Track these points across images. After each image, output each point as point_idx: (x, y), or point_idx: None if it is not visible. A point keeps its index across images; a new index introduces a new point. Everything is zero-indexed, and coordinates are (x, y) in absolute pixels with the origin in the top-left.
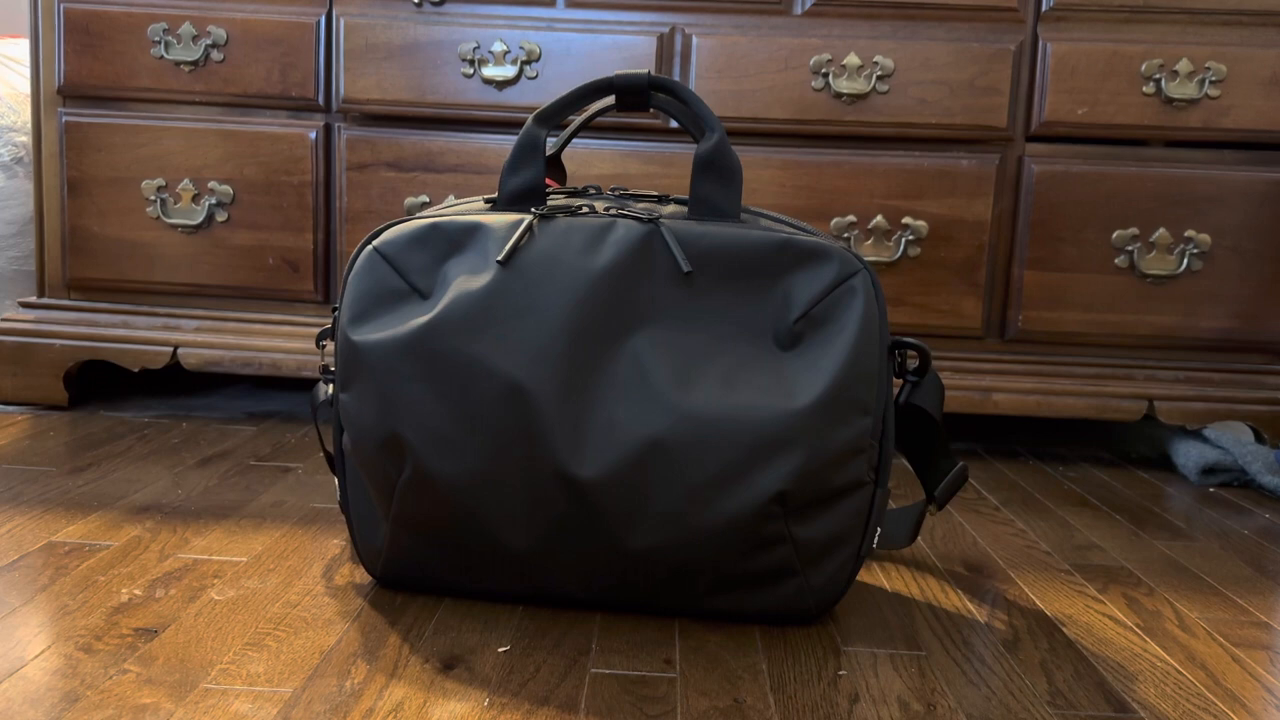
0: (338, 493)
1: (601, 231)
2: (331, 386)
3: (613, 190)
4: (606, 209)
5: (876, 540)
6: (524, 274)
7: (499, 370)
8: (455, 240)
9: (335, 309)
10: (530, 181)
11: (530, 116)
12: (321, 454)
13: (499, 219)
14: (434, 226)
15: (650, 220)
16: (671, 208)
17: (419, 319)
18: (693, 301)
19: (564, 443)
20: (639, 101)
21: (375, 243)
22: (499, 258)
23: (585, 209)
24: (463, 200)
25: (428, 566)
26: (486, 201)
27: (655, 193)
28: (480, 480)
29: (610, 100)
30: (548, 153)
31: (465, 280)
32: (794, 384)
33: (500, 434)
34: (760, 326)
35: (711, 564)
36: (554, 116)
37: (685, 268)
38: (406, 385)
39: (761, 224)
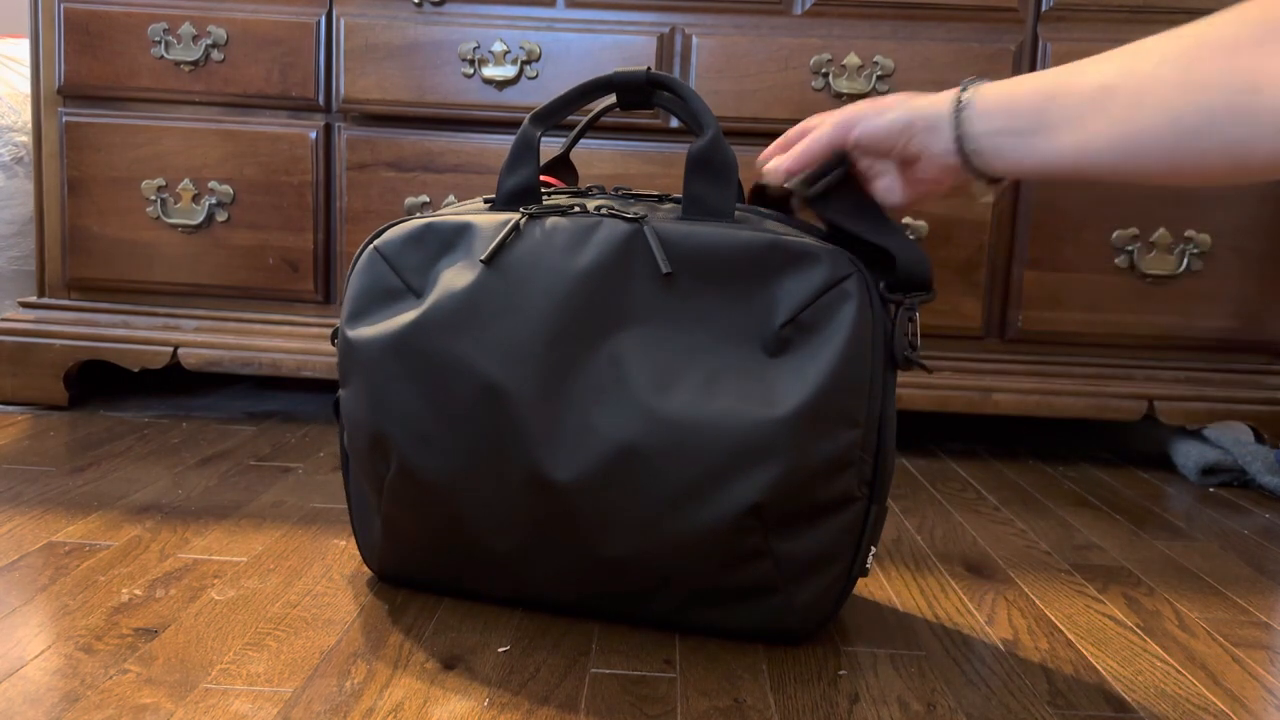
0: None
1: (586, 231)
2: None
3: (615, 190)
4: (598, 209)
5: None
6: (507, 273)
7: (478, 369)
8: (447, 240)
9: None
10: (525, 181)
11: (527, 116)
12: (323, 454)
13: (488, 218)
14: (428, 226)
15: (635, 220)
16: (669, 207)
17: (408, 317)
18: (676, 303)
19: (540, 445)
20: (639, 99)
21: (375, 242)
22: (482, 257)
23: (576, 209)
24: (466, 200)
25: (419, 565)
26: (486, 201)
27: (657, 193)
28: (461, 480)
29: (612, 99)
30: (557, 153)
31: (451, 279)
32: (776, 392)
33: (478, 434)
34: (746, 331)
35: (688, 575)
36: (551, 116)
37: (664, 269)
38: (392, 383)
39: (762, 225)
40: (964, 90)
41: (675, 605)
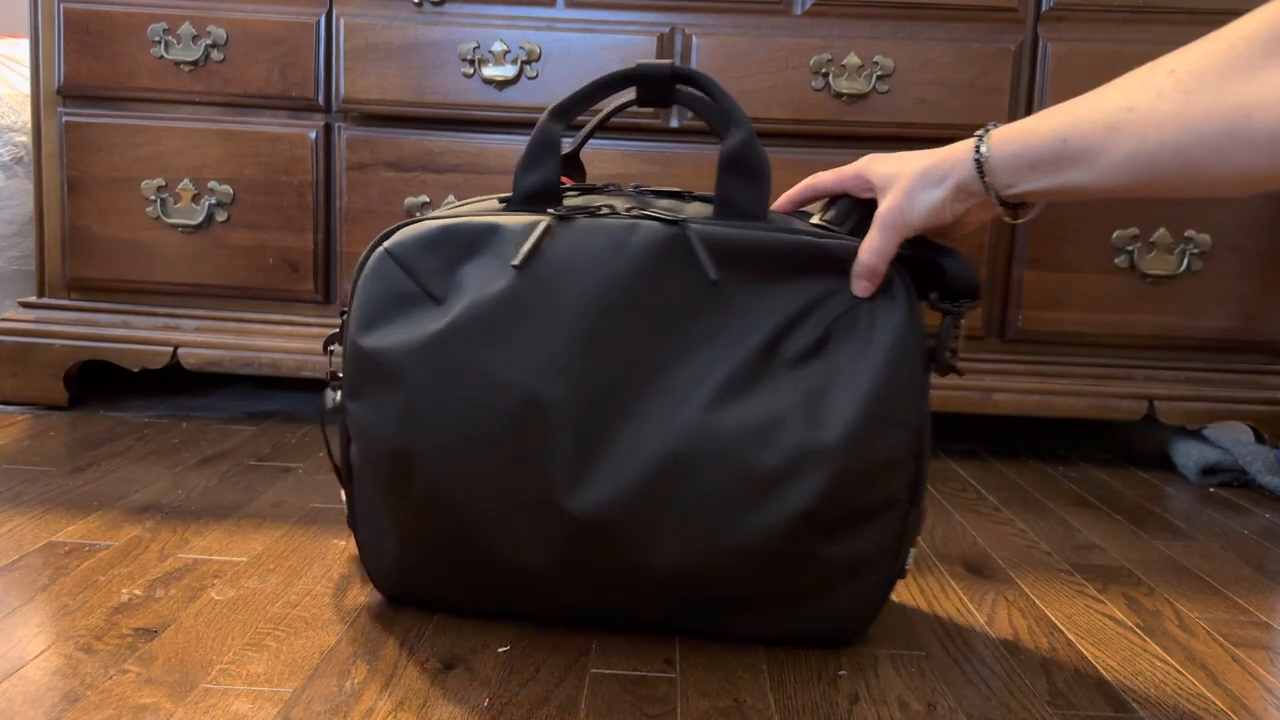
0: (346, 508)
1: (623, 234)
2: (339, 394)
3: (633, 187)
4: (628, 209)
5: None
6: (542, 279)
7: (514, 382)
8: (470, 243)
9: (343, 312)
10: (545, 180)
11: (546, 111)
12: (323, 454)
13: (515, 220)
14: (447, 228)
15: (675, 222)
16: (695, 206)
17: (432, 326)
18: (720, 309)
19: (581, 458)
20: (662, 94)
21: (386, 244)
22: (515, 262)
23: (605, 209)
24: (474, 200)
25: (440, 585)
26: (501, 201)
27: (675, 189)
28: (493, 496)
29: (630, 95)
30: (566, 151)
31: (480, 285)
32: (827, 396)
33: (515, 448)
34: (790, 334)
35: (736, 585)
36: (571, 110)
37: (712, 276)
38: (418, 395)
39: (798, 227)
40: (980, 142)
41: (719, 615)
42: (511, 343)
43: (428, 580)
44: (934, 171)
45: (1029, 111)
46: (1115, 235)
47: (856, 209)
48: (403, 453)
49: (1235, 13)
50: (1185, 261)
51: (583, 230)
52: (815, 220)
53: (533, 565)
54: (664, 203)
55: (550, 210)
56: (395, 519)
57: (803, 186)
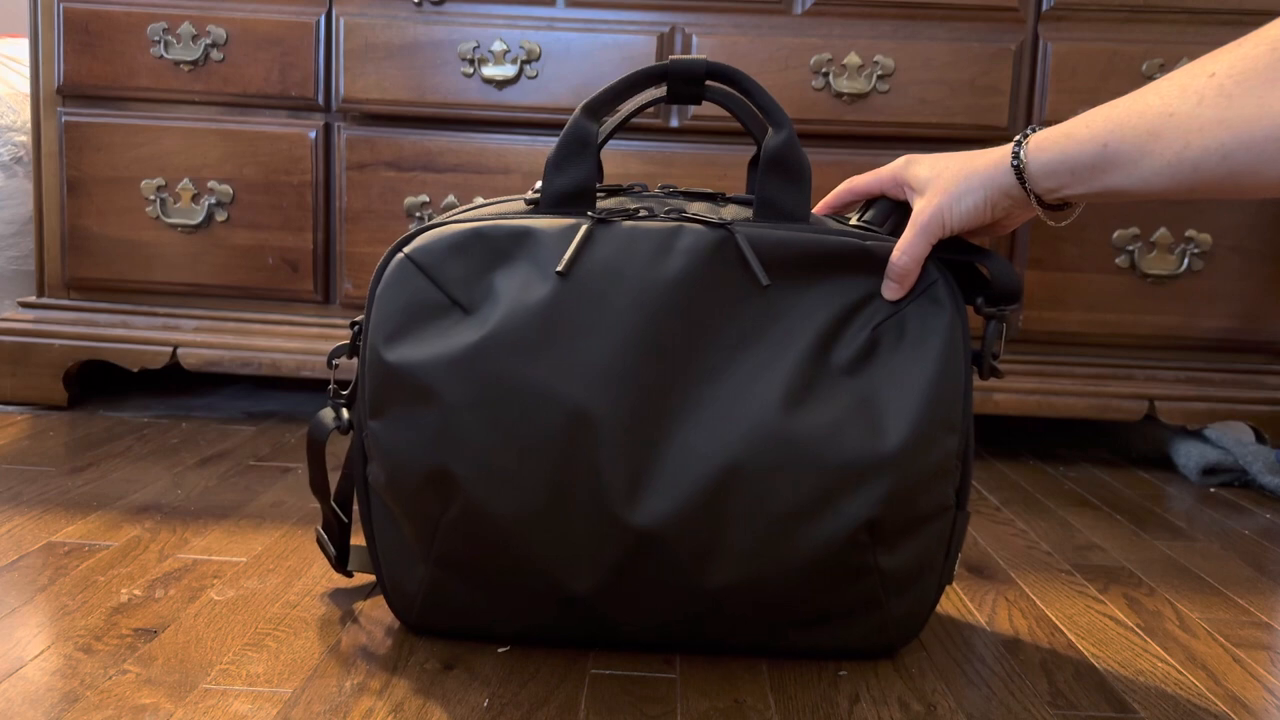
0: (325, 538)
1: (668, 238)
2: (344, 412)
3: (662, 188)
4: (667, 212)
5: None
6: (586, 286)
7: (561, 395)
8: (502, 248)
9: (354, 324)
10: (579, 181)
11: (579, 107)
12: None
13: (550, 224)
14: (476, 232)
15: (721, 225)
16: (732, 209)
17: (467, 337)
18: (769, 314)
19: (636, 473)
20: (694, 92)
21: (407, 250)
22: (559, 268)
23: (643, 212)
24: (492, 201)
25: (475, 613)
26: (528, 203)
27: (707, 190)
28: (539, 517)
29: (659, 92)
30: None
31: (519, 293)
32: (881, 403)
33: (564, 466)
34: (838, 339)
35: (795, 599)
36: (604, 106)
37: (764, 280)
38: (454, 412)
39: (842, 229)
40: (1018, 148)
41: (773, 631)
42: (555, 353)
43: (460, 609)
44: (974, 175)
45: (1029, 111)
46: (1116, 235)
47: (895, 211)
48: (439, 473)
49: (1235, 12)
50: (1186, 261)
51: (625, 234)
52: (853, 222)
53: (580, 588)
54: (698, 205)
55: (589, 213)
56: (426, 545)
57: (841, 190)
